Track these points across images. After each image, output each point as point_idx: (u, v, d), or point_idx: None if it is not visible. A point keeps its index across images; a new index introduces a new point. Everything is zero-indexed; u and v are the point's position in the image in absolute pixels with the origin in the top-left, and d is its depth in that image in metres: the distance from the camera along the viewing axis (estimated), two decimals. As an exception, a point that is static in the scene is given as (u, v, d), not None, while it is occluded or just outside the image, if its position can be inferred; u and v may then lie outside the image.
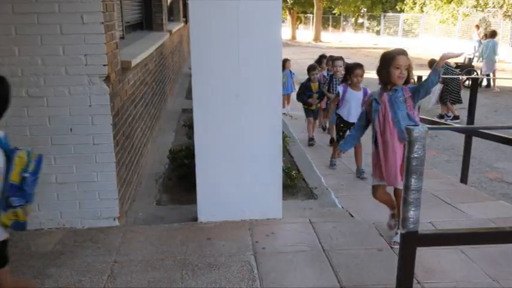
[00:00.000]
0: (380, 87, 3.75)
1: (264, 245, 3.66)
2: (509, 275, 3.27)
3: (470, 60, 15.45)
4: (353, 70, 5.87)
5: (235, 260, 3.43)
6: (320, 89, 7.65)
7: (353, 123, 5.37)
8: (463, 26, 25.66)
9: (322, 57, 9.28)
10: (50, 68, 3.64)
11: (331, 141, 7.36)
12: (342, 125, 5.99)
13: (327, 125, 8.28)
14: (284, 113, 10.32)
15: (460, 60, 15.62)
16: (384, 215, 4.19)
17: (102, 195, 3.92)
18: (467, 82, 14.59)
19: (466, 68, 14.74)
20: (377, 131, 3.66)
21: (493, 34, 15.54)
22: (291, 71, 11.09)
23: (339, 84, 6.89)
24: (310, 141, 7.57)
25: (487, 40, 15.35)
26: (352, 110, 5.84)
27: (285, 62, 10.88)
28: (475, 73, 14.55)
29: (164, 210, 4.47)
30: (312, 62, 12.80)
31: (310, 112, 7.85)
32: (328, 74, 8.15)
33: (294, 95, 11.13)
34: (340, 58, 7.72)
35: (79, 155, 3.81)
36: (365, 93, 5.67)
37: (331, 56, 8.80)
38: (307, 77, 7.88)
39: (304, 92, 7.79)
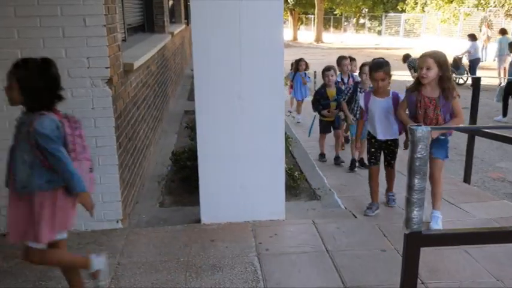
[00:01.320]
0: None
1: (268, 246, 3.66)
2: (514, 274, 3.26)
3: (458, 59, 15.60)
4: (370, 72, 4.52)
5: (239, 261, 3.43)
6: (338, 96, 6.23)
7: (385, 142, 4.47)
8: (464, 25, 25.64)
9: (342, 59, 7.06)
10: (53, 70, 3.64)
11: (352, 163, 6.10)
12: (373, 141, 4.53)
13: (349, 138, 6.67)
14: (299, 122, 9.38)
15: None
16: (388, 215, 4.20)
17: (105, 198, 3.92)
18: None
19: (454, 67, 14.96)
20: None
21: (503, 32, 15.77)
22: (305, 73, 9.83)
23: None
24: (322, 158, 6.50)
25: (500, 37, 15.63)
26: (376, 124, 4.44)
27: (298, 62, 9.74)
28: (466, 72, 14.72)
29: (167, 212, 4.47)
30: (314, 62, 12.67)
31: (327, 126, 6.46)
32: (341, 79, 6.75)
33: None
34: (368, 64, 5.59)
35: (82, 158, 3.81)
36: (395, 98, 4.40)
37: (347, 58, 7.12)
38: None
39: (319, 101, 6.40)
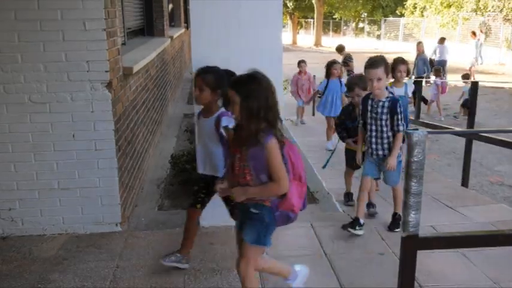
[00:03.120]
0: None
1: (266, 249, 3.66)
2: (511, 277, 3.27)
3: (431, 61, 16.04)
4: None
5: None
6: None
7: (205, 178, 3.30)
8: (463, 30, 25.71)
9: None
10: (53, 74, 3.67)
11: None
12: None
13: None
14: (330, 150, 6.51)
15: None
16: (386, 218, 4.21)
17: (104, 201, 3.94)
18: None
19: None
20: None
21: (475, 34, 16.61)
22: (341, 81, 7.50)
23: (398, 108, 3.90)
24: (348, 200, 4.86)
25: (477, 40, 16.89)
26: (198, 151, 3.36)
27: (330, 66, 7.44)
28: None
29: (166, 215, 4.48)
30: (314, 67, 12.45)
31: (351, 157, 4.53)
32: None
33: None
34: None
35: (81, 161, 3.83)
36: (218, 120, 3.14)
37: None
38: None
39: (344, 122, 4.73)
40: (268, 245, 2.63)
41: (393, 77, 5.16)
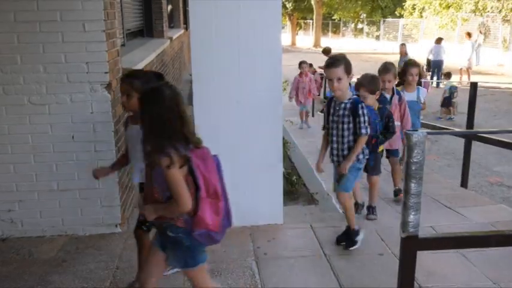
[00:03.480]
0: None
1: (266, 250, 3.67)
2: (510, 278, 3.28)
3: (429, 61, 16.23)
4: None
5: (237, 265, 3.44)
6: (384, 117, 4.23)
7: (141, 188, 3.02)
8: (462, 30, 25.73)
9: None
10: (52, 75, 3.67)
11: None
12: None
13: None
14: None
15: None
16: (386, 219, 4.22)
17: (104, 202, 3.94)
18: None
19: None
20: None
21: (470, 35, 17.26)
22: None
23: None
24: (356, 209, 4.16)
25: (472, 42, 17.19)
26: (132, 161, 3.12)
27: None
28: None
29: (166, 216, 4.48)
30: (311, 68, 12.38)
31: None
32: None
33: None
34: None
35: (81, 162, 3.83)
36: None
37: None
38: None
39: None
40: (201, 263, 2.45)
41: (403, 81, 5.00)
